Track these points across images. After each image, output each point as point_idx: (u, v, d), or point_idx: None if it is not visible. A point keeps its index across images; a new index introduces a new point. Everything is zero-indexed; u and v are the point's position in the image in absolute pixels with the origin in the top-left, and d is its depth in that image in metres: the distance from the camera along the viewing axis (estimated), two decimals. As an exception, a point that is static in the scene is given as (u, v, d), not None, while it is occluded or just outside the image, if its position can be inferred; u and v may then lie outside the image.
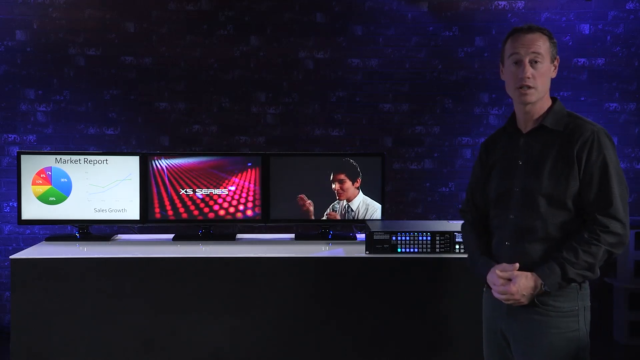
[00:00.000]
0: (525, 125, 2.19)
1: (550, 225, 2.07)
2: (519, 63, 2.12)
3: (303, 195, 3.33)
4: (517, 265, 2.09)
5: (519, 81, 2.11)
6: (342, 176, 3.35)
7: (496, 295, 2.12)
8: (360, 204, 3.35)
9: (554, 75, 2.17)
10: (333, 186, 3.35)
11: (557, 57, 2.18)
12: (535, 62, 2.11)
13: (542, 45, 2.12)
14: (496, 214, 2.23)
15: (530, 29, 2.13)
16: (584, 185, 2.04)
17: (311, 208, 3.35)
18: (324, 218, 3.37)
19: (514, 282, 2.06)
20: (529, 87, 2.10)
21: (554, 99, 2.19)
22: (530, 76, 2.10)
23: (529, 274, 2.05)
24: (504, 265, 2.12)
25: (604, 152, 2.04)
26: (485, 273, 2.18)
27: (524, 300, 2.05)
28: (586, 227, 2.03)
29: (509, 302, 2.08)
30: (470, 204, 2.38)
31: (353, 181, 3.35)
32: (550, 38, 2.15)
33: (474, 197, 2.36)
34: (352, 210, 3.36)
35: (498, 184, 2.22)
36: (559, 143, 2.09)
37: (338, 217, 3.36)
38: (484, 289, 2.29)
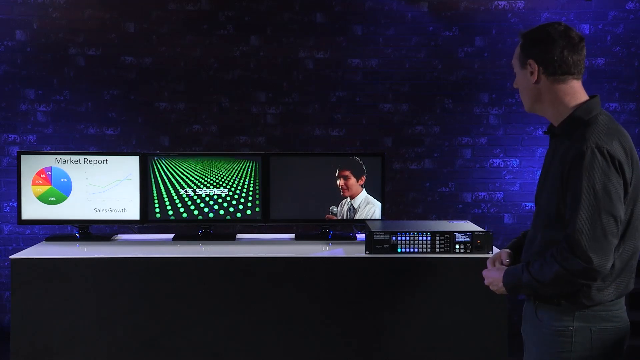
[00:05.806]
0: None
1: (543, 240, 1.93)
2: None
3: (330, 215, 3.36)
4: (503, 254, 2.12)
5: None
6: (347, 173, 3.35)
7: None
8: (362, 202, 3.36)
9: (534, 79, 1.91)
10: (338, 182, 3.35)
11: (530, 60, 1.91)
12: (516, 74, 2.01)
13: (515, 54, 1.99)
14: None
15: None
16: (566, 205, 1.84)
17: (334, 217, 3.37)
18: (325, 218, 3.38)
19: (489, 269, 2.10)
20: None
21: (585, 101, 1.92)
22: (515, 87, 2.04)
23: (502, 266, 2.06)
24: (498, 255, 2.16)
25: (587, 174, 1.77)
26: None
27: (492, 288, 2.06)
28: (560, 243, 1.84)
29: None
30: None
31: (357, 178, 3.36)
32: (521, 41, 1.95)
33: None
34: (354, 208, 3.36)
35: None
36: (560, 154, 1.89)
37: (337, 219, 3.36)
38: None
